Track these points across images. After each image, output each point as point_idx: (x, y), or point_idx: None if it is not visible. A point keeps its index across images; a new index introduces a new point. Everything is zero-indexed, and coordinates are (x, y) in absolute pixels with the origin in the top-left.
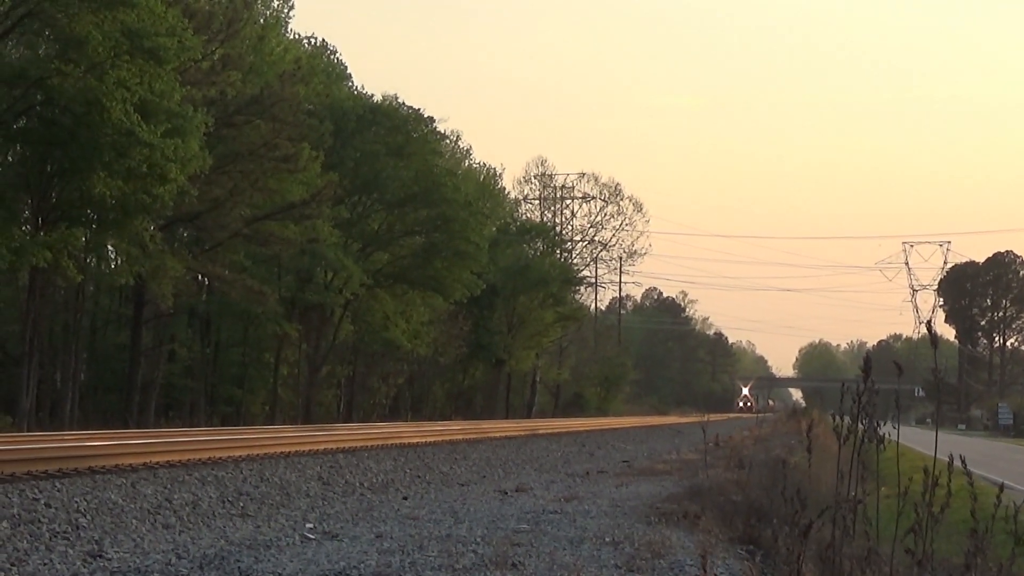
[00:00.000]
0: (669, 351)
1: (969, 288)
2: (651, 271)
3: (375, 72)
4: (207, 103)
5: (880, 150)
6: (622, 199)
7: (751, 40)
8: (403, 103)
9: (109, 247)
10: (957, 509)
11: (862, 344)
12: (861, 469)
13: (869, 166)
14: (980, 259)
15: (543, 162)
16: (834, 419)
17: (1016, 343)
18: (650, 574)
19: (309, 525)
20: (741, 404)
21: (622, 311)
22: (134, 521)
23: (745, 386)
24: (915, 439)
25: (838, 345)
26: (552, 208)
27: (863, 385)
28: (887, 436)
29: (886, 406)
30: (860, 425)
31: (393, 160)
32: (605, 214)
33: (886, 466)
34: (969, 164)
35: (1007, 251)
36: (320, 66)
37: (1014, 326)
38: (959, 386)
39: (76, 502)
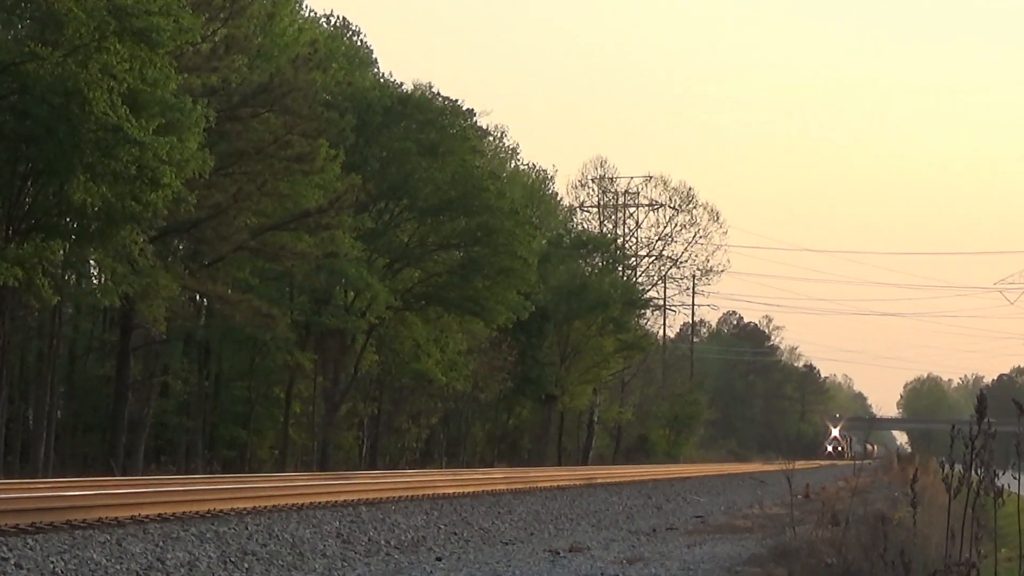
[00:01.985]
0: (750, 386)
1: None
2: (729, 292)
3: (405, 57)
4: (207, 93)
5: (1001, 152)
6: (695, 207)
7: (852, 18)
8: (438, 93)
9: (91, 262)
10: None
11: (978, 379)
12: (975, 527)
13: (987, 170)
14: None
15: (602, 163)
16: (943, 468)
17: None
18: None
19: None
20: (829, 448)
21: (695, 339)
22: None
23: (834, 426)
24: None
25: (950, 380)
26: (613, 217)
27: (977, 427)
28: (1006, 488)
29: (1006, 452)
30: (974, 475)
31: (426, 160)
32: (675, 224)
33: (1006, 523)
34: None
35: None
36: (340, 50)
37: None
38: None
39: (52, 562)
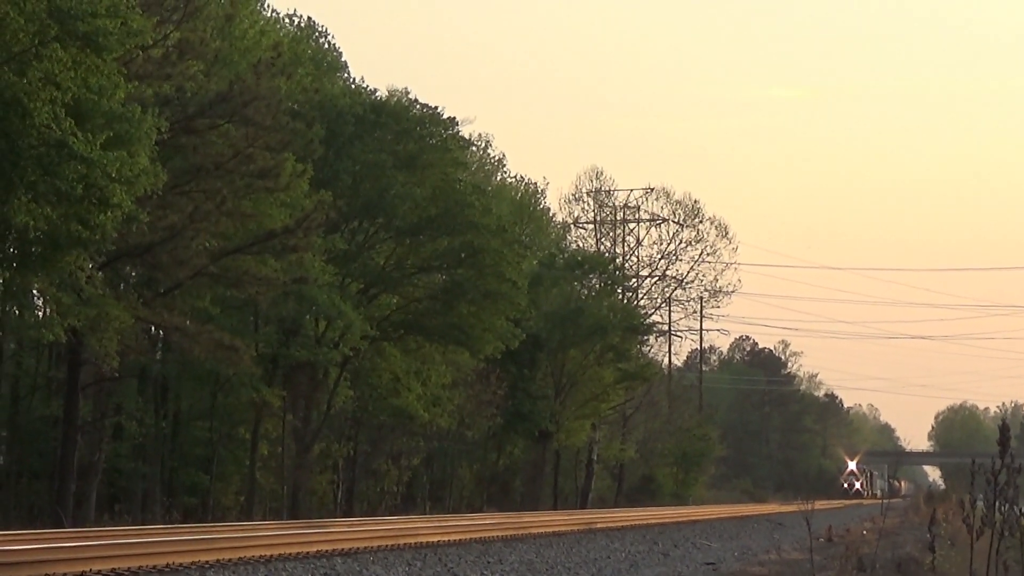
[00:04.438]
0: (766, 419)
1: None
2: (741, 315)
3: (378, 61)
4: (160, 103)
5: None
6: (701, 221)
7: (877, 12)
8: (415, 100)
9: (34, 292)
10: None
11: (1018, 407)
12: (1003, 571)
13: None
14: None
15: (598, 175)
16: (963, 506)
17: None
18: None
19: None
20: (844, 485)
21: (704, 367)
22: None
23: (851, 459)
24: None
25: (987, 409)
26: (611, 234)
27: (1000, 461)
28: None
29: None
30: (998, 513)
31: (403, 174)
32: (680, 241)
33: None
34: None
35: None
36: (307, 53)
37: None
38: None
39: None
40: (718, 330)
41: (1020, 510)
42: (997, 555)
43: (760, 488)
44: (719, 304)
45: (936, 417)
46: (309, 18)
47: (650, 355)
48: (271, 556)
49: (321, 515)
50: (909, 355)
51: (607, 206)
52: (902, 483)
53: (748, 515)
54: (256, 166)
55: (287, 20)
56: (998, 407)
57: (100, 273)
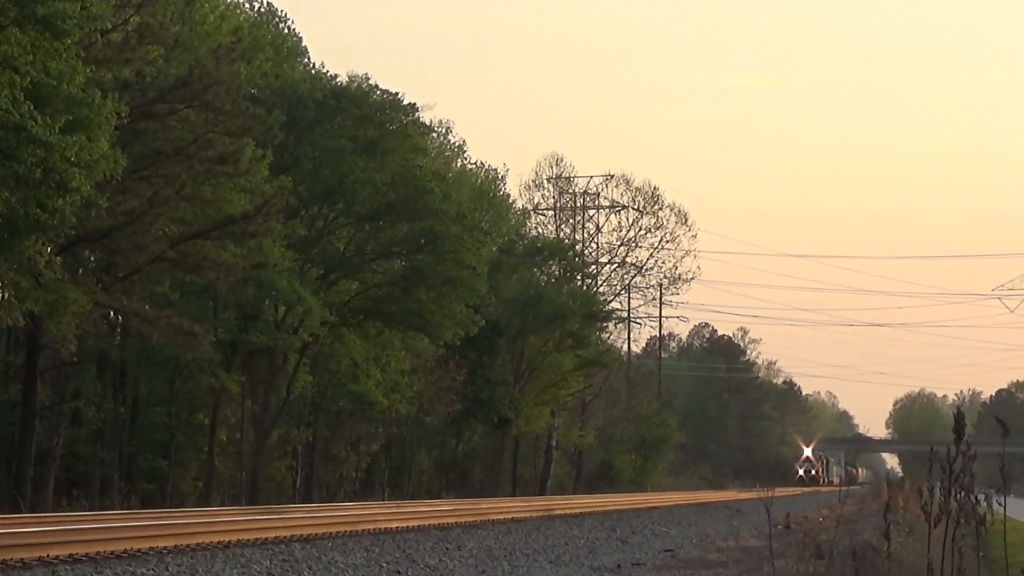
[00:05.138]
0: (725, 406)
1: None
2: (700, 302)
3: (338, 47)
4: (120, 87)
5: (998, 147)
6: (661, 208)
7: (838, 2)
8: (375, 86)
9: None
10: None
11: (976, 394)
12: (958, 558)
13: (983, 167)
14: None
15: (558, 161)
16: (921, 494)
17: None
18: None
19: None
20: (800, 472)
21: (663, 354)
22: None
23: (807, 445)
24: None
25: (944, 396)
26: (571, 221)
27: (955, 449)
28: (990, 513)
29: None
30: (954, 501)
31: (363, 160)
32: (639, 228)
33: (1013, 552)
34: None
35: None
36: (267, 38)
37: None
38: None
39: None
40: (677, 317)
41: (975, 498)
42: (953, 542)
43: (719, 475)
44: (678, 291)
45: (894, 404)
46: (269, 3)
47: (609, 342)
48: (229, 542)
49: (280, 501)
50: (867, 343)
51: (567, 193)
52: (860, 470)
53: (707, 502)
54: (216, 151)
55: (247, 5)
56: (956, 395)
57: (59, 258)
